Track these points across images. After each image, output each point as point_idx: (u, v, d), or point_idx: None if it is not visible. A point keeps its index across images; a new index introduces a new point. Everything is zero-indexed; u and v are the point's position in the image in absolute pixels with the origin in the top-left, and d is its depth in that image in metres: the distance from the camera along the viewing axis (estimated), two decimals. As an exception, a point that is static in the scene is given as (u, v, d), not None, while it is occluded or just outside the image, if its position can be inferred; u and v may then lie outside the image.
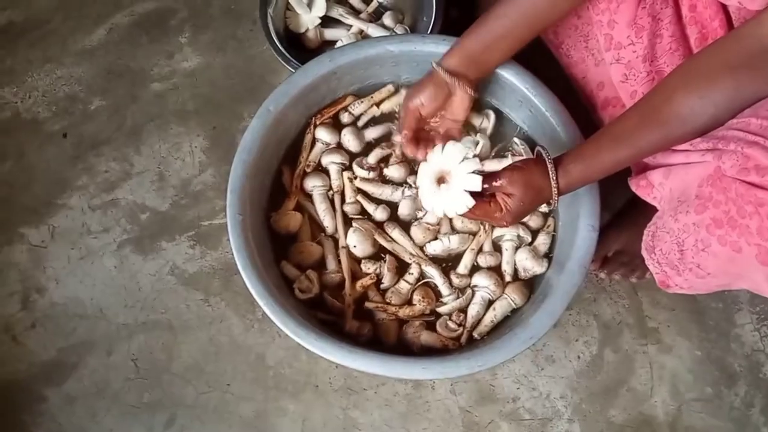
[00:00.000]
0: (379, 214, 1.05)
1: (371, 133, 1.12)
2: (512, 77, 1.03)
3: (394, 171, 1.07)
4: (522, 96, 1.05)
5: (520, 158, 1.01)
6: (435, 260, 1.03)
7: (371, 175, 1.06)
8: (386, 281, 1.02)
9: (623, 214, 1.17)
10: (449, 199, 0.85)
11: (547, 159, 0.81)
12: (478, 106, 1.09)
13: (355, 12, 1.33)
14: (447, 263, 1.04)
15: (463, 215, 0.87)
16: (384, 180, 1.08)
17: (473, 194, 0.84)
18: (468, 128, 1.09)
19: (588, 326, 1.14)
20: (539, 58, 1.02)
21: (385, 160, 1.09)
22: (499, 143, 1.10)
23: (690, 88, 0.72)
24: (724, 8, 0.83)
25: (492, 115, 1.09)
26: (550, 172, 0.81)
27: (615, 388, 1.10)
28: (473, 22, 0.91)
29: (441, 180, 0.87)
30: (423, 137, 0.99)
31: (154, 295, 1.15)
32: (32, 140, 1.27)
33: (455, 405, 1.09)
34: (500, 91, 1.08)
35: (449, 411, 1.08)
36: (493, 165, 1.05)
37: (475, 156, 0.85)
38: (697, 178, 0.75)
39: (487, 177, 0.84)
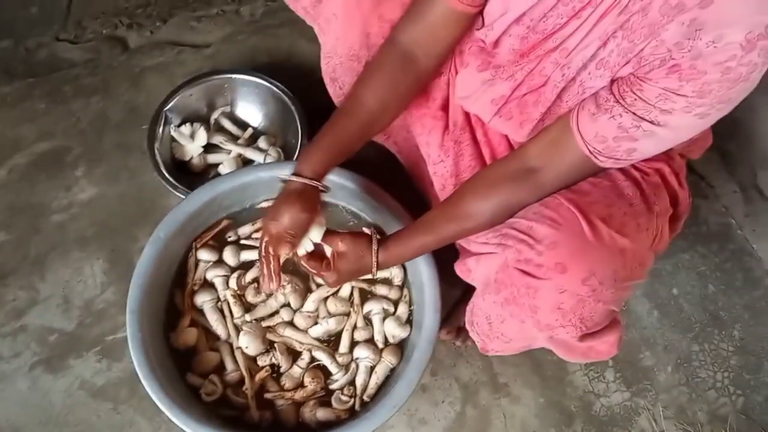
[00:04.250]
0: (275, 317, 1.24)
1: (248, 255, 1.30)
2: (349, 183, 1.25)
3: (251, 296, 1.25)
4: (355, 193, 1.28)
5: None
6: (319, 342, 1.22)
7: (249, 292, 1.25)
8: (282, 364, 1.19)
9: (470, 290, 1.42)
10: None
11: (372, 237, 1.00)
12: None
13: (234, 138, 1.53)
14: (329, 344, 1.24)
15: (303, 262, 1.02)
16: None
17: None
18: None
19: (450, 388, 1.36)
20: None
21: (256, 281, 1.26)
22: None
23: (477, 192, 0.94)
24: (507, 135, 1.10)
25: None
26: (373, 248, 0.99)
27: (477, 439, 1.32)
28: (316, 135, 1.01)
29: None
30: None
31: (66, 411, 1.26)
32: (-61, 277, 1.38)
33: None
34: (340, 192, 1.27)
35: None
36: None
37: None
38: (495, 266, 0.96)
39: (328, 236, 1.01)
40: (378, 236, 1.02)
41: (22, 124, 1.57)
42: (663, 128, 0.78)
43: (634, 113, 0.78)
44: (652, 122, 0.77)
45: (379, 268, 1.02)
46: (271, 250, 0.98)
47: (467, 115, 1.09)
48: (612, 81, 0.82)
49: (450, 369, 1.38)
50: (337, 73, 1.18)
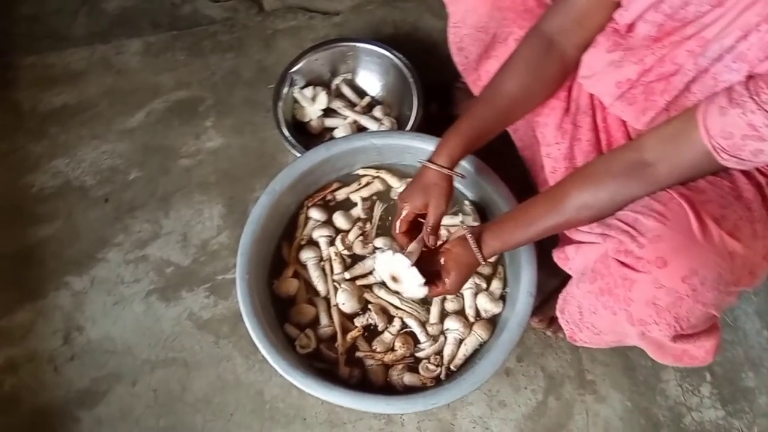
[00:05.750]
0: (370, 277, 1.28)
1: (354, 212, 1.36)
2: (468, 166, 1.27)
3: (359, 248, 1.31)
4: (473, 178, 1.29)
5: (465, 222, 1.26)
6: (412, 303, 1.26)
7: (357, 245, 1.31)
8: (379, 324, 1.23)
9: (566, 282, 1.39)
10: (407, 290, 1.06)
11: (470, 239, 0.99)
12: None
13: (351, 105, 1.59)
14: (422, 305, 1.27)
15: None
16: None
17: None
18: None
19: (535, 376, 1.35)
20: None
21: (363, 235, 1.33)
22: (454, 206, 1.35)
23: (583, 186, 0.92)
24: (625, 123, 1.07)
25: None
26: (473, 247, 0.99)
27: (556, 431, 1.30)
28: (455, 122, 1.04)
29: (394, 278, 1.07)
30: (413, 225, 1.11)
31: (173, 337, 1.38)
32: (79, 204, 1.53)
33: (420, 440, 1.29)
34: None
35: (415, 444, 1.29)
36: (447, 220, 1.30)
37: (411, 265, 1.03)
38: (594, 255, 0.95)
39: (432, 253, 1.05)
40: (473, 237, 1.00)
41: (163, 73, 1.70)
42: None
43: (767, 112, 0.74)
44: None
45: (485, 260, 1.01)
46: (399, 224, 1.06)
47: (590, 98, 1.07)
48: (748, 77, 0.78)
49: (537, 357, 1.37)
50: (465, 43, 1.19)
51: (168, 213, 1.52)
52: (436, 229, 1.06)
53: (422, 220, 1.07)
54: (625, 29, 0.92)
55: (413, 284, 1.03)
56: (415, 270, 1.02)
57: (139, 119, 1.63)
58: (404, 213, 1.06)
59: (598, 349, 1.36)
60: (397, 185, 1.37)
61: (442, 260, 1.03)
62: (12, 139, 1.61)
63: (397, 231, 1.08)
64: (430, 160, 1.04)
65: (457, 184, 1.34)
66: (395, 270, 1.05)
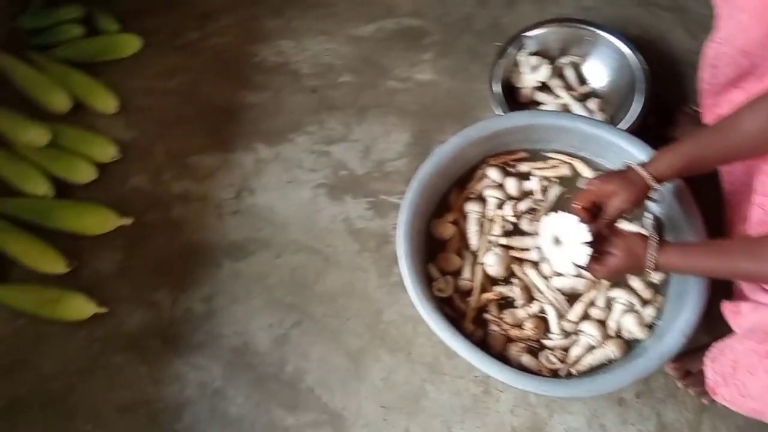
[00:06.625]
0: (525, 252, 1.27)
1: (530, 185, 1.34)
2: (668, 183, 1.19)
3: (527, 224, 1.30)
4: (670, 197, 1.22)
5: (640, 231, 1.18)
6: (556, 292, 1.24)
7: (524, 220, 1.30)
8: (518, 300, 1.23)
9: (718, 340, 1.30)
10: (562, 261, 1.05)
11: (653, 241, 0.96)
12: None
13: (568, 88, 1.56)
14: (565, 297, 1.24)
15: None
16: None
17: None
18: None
19: (647, 419, 1.27)
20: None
21: (532, 211, 1.31)
22: (636, 216, 1.28)
23: None
24: None
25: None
26: (651, 248, 0.95)
27: (646, 479, 1.23)
28: (676, 141, 1.02)
29: (557, 240, 1.06)
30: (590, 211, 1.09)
31: (324, 232, 1.46)
32: (290, 85, 1.64)
33: (509, 423, 1.27)
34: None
35: (502, 424, 1.27)
36: (624, 224, 1.25)
37: (587, 230, 1.02)
38: None
39: (598, 241, 1.02)
40: (657, 241, 0.98)
41: (403, -5, 1.76)
42: None
43: None
44: None
45: (655, 270, 0.97)
46: (579, 200, 1.04)
47: None
48: None
49: (657, 402, 1.29)
50: (720, 62, 1.12)
51: (361, 123, 1.59)
52: (610, 224, 1.04)
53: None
54: None
55: (576, 243, 1.01)
56: (584, 227, 1.01)
57: (368, 31, 1.71)
58: (590, 189, 1.05)
59: (724, 421, 1.26)
60: (587, 176, 1.33)
61: (612, 239, 1.00)
62: (252, 10, 1.76)
63: (576, 204, 1.06)
64: (640, 165, 1.02)
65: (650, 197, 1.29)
66: (562, 230, 1.04)
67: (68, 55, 1.68)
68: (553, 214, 1.07)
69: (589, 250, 1.02)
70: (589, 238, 1.01)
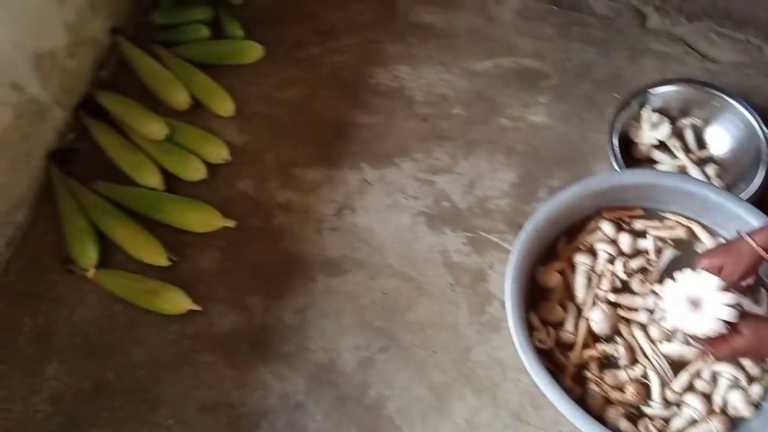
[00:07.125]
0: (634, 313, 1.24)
1: (644, 244, 1.30)
2: None
3: (637, 284, 1.26)
4: None
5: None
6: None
7: (635, 280, 1.26)
8: (622, 360, 1.19)
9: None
10: (700, 321, 1.00)
11: None
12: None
13: (687, 150, 1.52)
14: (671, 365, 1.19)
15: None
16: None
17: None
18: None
19: (738, 508, 1.21)
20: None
21: (644, 272, 1.27)
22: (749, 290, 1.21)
23: None
24: None
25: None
26: None
27: None
28: None
29: (694, 302, 1.02)
30: None
31: (420, 260, 1.45)
32: (402, 111, 1.65)
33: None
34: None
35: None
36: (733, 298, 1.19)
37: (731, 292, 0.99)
38: None
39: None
40: None
41: (525, 37, 1.75)
42: None
43: None
44: None
45: None
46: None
47: None
48: None
49: (752, 490, 1.22)
50: None
51: (468, 157, 1.58)
52: None
53: None
54: None
55: (716, 314, 0.97)
56: (731, 296, 0.98)
57: (485, 66, 1.71)
58: (709, 263, 1.04)
59: None
60: (704, 240, 1.28)
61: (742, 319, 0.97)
62: (376, 32, 1.79)
63: None
64: (750, 235, 1.01)
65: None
66: (699, 291, 1.01)
67: (193, 54, 1.74)
68: (682, 275, 1.04)
69: (734, 312, 0.97)
70: (734, 300, 0.97)
